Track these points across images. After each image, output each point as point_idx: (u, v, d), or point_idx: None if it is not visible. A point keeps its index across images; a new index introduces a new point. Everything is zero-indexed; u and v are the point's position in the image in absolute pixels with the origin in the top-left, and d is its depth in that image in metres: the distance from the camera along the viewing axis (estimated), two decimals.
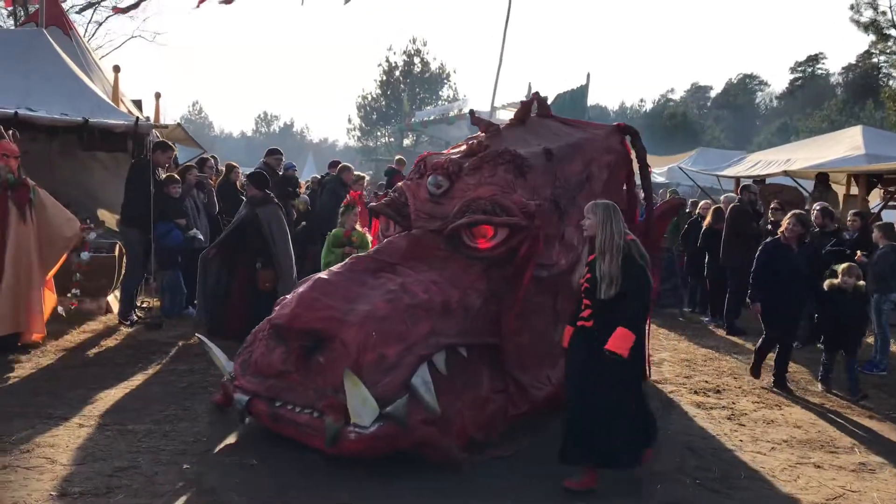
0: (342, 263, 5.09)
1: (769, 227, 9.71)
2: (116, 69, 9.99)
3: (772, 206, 9.91)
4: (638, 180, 6.96)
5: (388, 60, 51.72)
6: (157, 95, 10.72)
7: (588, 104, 19.50)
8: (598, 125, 6.52)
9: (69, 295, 8.07)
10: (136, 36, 28.43)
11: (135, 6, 17.48)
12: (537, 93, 6.32)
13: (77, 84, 8.90)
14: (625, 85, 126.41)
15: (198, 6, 13.53)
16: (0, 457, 4.30)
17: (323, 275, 4.88)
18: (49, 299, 7.13)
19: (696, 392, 6.61)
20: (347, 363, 4.20)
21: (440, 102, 46.81)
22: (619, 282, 4.07)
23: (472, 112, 6.62)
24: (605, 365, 4.09)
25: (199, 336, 5.53)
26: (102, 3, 25.66)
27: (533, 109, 6.65)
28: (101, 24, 26.62)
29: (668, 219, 6.18)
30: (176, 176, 8.59)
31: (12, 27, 19.86)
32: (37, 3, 11.69)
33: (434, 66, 51.47)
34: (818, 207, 8.85)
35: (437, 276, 4.85)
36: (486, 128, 6.06)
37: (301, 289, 4.74)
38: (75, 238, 6.99)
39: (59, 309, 7.75)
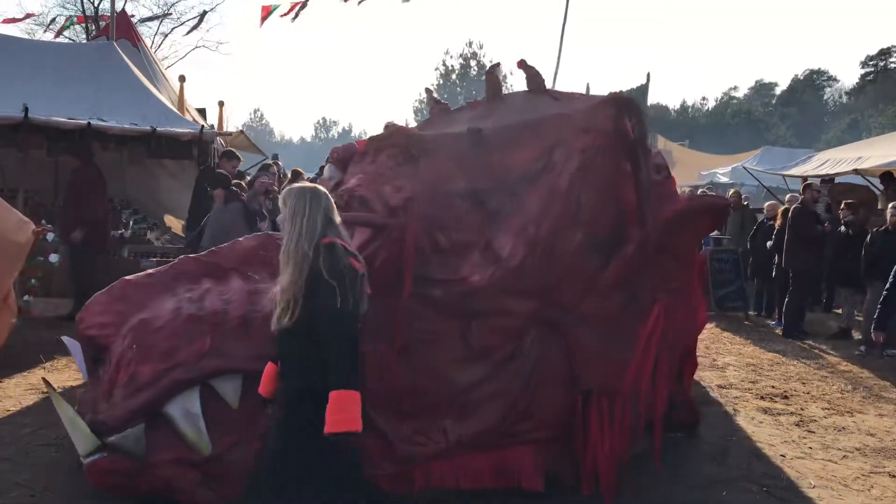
0: (168, 264, 4.25)
1: (842, 228, 9.39)
2: (182, 79, 10.33)
3: (842, 206, 9.57)
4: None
5: (444, 64, 52.22)
6: (221, 104, 11.02)
7: (648, 103, 19.22)
8: (588, 97, 4.89)
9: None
10: (200, 46, 29.26)
11: (197, 24, 18.13)
12: (522, 61, 4.93)
13: (145, 94, 9.24)
14: (686, 83, 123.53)
15: (261, 24, 13.89)
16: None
17: (131, 276, 4.13)
18: (6, 315, 6.10)
19: (762, 397, 6.43)
20: (105, 379, 3.65)
21: None
22: (299, 307, 2.87)
23: (427, 90, 5.67)
24: (294, 435, 2.95)
25: (63, 338, 4.89)
26: (168, 16, 26.62)
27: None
28: (166, 36, 27.53)
29: (700, 223, 4.54)
30: (244, 184, 8.81)
31: (84, 41, 20.72)
32: (107, 19, 12.16)
33: None
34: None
35: (268, 286, 3.70)
36: (433, 106, 5.14)
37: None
38: (29, 244, 6.20)
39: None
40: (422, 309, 3.84)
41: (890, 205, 8.66)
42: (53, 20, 22.26)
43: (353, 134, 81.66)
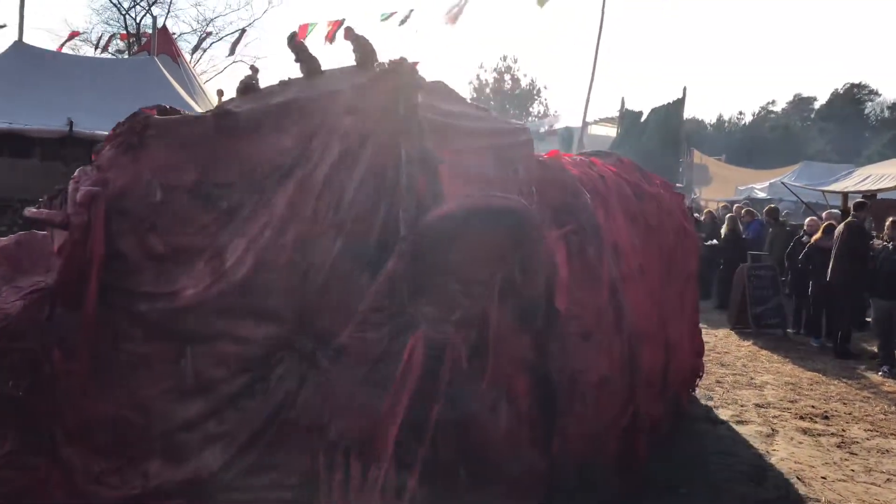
0: None
1: (889, 244, 9.19)
2: (220, 93, 10.53)
3: (888, 222, 9.36)
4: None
5: (478, 78, 52.20)
6: None
7: (684, 117, 19.13)
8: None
9: None
10: (238, 61, 29.96)
11: (238, 40, 18.64)
12: (348, 29, 3.85)
13: (184, 108, 9.42)
14: (722, 97, 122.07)
15: (304, 38, 14.20)
16: None
17: None
18: None
19: (801, 417, 6.29)
20: None
21: (530, 119, 46.75)
22: None
23: (252, 67, 4.58)
24: None
25: None
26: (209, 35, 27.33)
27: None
28: (205, 51, 28.24)
29: (483, 235, 3.27)
30: None
31: (126, 56, 21.28)
32: (149, 35, 12.49)
33: (525, 83, 51.60)
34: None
35: None
36: (240, 87, 3.98)
37: None
38: None
39: None
40: (128, 327, 3.22)
41: (889, 220, 8.57)
42: (100, 38, 23.03)
43: None
